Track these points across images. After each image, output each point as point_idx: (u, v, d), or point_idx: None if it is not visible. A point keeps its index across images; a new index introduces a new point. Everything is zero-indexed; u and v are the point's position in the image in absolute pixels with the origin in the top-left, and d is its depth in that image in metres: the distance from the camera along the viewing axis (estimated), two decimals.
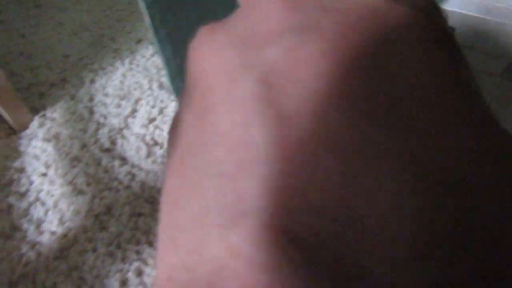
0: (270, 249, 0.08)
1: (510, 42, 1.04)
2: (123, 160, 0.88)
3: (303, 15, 0.10)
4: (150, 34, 0.95)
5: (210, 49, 0.11)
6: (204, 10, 0.84)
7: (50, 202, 0.81)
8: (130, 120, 0.97)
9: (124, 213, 0.77)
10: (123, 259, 0.71)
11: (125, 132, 0.94)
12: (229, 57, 0.10)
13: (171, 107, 0.98)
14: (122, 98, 1.03)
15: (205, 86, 0.11)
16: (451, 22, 1.14)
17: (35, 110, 1.03)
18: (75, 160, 0.89)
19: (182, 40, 0.84)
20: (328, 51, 0.09)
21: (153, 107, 0.99)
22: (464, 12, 1.16)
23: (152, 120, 0.96)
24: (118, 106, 1.01)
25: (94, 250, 0.73)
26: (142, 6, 0.74)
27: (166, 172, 0.12)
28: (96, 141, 0.93)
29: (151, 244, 0.73)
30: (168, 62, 0.84)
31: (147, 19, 0.76)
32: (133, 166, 0.87)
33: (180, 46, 0.84)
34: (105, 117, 0.99)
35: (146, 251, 0.72)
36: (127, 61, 1.16)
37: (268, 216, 0.08)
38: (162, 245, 0.10)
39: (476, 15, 1.15)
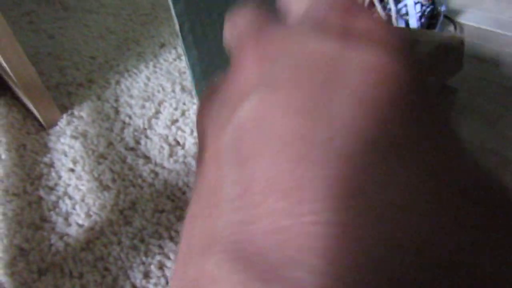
0: None
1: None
2: (147, 158, 0.92)
3: (275, 69, 0.11)
4: (178, 39, 0.99)
5: (205, 113, 0.13)
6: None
7: (78, 196, 0.86)
8: (153, 121, 1.01)
9: (147, 209, 0.81)
10: (146, 253, 0.75)
11: (148, 132, 0.99)
12: (214, 119, 0.12)
13: (193, 109, 1.02)
14: (146, 99, 1.08)
15: (201, 141, 0.13)
16: (466, 35, 1.16)
17: (63, 108, 1.07)
18: (101, 157, 0.93)
19: (207, 47, 0.88)
20: (286, 101, 0.10)
21: (175, 109, 1.03)
22: (479, 26, 1.18)
23: (174, 121, 1.00)
24: (143, 107, 1.05)
25: (119, 242, 0.77)
26: (172, 14, 0.78)
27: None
28: (122, 140, 0.97)
29: (172, 239, 0.77)
30: (193, 67, 0.88)
31: (176, 26, 0.80)
32: (156, 164, 0.91)
33: (205, 52, 0.88)
34: (130, 117, 1.03)
35: (168, 245, 0.75)
36: (151, 64, 1.20)
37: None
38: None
39: (490, 29, 1.18)
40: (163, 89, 1.10)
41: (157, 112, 1.04)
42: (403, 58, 0.10)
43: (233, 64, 0.12)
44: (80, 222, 0.81)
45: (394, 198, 0.08)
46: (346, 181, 0.09)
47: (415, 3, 1.00)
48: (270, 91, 0.10)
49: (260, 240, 0.09)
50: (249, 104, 0.10)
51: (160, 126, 0.99)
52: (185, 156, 0.91)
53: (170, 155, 0.92)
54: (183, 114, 1.02)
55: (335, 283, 0.08)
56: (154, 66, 1.19)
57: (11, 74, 0.93)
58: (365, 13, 0.11)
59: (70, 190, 0.87)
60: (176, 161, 0.90)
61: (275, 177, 0.09)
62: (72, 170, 0.91)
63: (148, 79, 1.15)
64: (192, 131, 0.96)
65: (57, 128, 1.02)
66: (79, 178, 0.89)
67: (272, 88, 0.10)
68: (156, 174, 0.89)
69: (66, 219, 0.82)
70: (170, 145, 0.95)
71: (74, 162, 0.93)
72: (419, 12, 1.01)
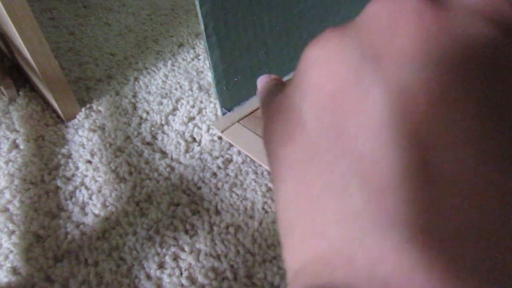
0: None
1: None
2: (163, 153, 0.93)
3: (434, 46, 0.10)
4: (202, 39, 1.00)
5: (339, 56, 0.11)
6: (253, 23, 0.89)
7: (95, 187, 0.87)
8: (170, 117, 1.02)
9: (163, 201, 0.82)
10: (161, 244, 0.75)
11: (165, 128, 1.00)
12: (361, 66, 0.11)
13: (210, 108, 1.03)
14: (164, 96, 1.09)
15: (328, 90, 0.11)
16: None
17: (82, 102, 1.09)
18: (118, 151, 0.94)
19: (230, 47, 0.89)
20: (461, 89, 0.10)
21: (192, 106, 1.04)
22: None
23: (191, 118, 1.01)
24: (160, 103, 1.07)
25: (134, 233, 0.77)
26: (199, 14, 0.79)
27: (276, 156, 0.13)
28: (139, 134, 0.98)
29: (187, 232, 0.77)
30: (215, 66, 0.89)
31: (201, 26, 0.82)
32: (172, 159, 0.92)
33: (227, 52, 0.89)
34: (147, 112, 1.04)
35: (183, 238, 0.76)
36: (169, 62, 1.22)
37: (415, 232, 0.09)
38: (301, 233, 0.11)
39: None
40: (180, 87, 1.12)
41: (174, 109, 1.05)
42: None
43: (381, 20, 0.11)
44: (96, 212, 0.82)
45: None
46: None
47: None
48: (437, 71, 0.10)
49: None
50: (409, 76, 0.10)
51: (177, 123, 1.01)
52: (201, 153, 0.92)
53: (186, 151, 0.93)
54: (199, 112, 1.03)
55: None
56: (172, 65, 1.21)
57: (34, 66, 0.94)
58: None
59: (87, 180, 0.88)
60: (192, 157, 0.91)
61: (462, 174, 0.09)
62: (89, 162, 0.93)
63: (166, 76, 1.16)
64: (208, 128, 0.97)
65: (76, 121, 1.04)
66: (96, 169, 0.90)
67: (439, 68, 0.10)
68: (172, 168, 0.89)
69: (82, 208, 0.83)
70: (186, 141, 0.96)
71: (92, 154, 0.94)
72: None
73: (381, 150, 0.10)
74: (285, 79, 1.04)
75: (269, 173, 0.85)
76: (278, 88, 0.17)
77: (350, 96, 0.11)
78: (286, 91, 0.14)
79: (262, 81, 0.20)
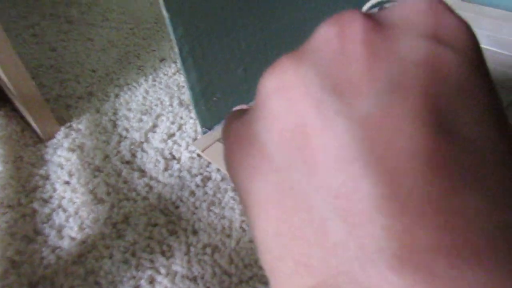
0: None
1: None
2: (142, 172, 0.93)
3: (386, 70, 0.11)
4: (178, 63, 1.00)
5: (299, 87, 0.11)
6: (229, 42, 0.88)
7: (72, 209, 0.86)
8: (150, 134, 1.02)
9: (140, 222, 0.81)
10: (137, 267, 0.75)
11: (145, 145, 0.99)
12: (321, 97, 0.11)
13: (190, 124, 1.03)
14: (144, 113, 1.08)
15: (291, 123, 0.11)
16: None
17: (62, 121, 1.08)
18: (97, 170, 0.93)
19: (206, 68, 0.89)
20: (416, 112, 0.10)
21: (172, 123, 1.04)
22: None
23: (171, 135, 1.01)
24: (140, 120, 1.06)
25: (111, 256, 0.77)
26: (172, 38, 0.79)
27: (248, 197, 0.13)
28: (118, 153, 0.97)
29: (164, 253, 0.76)
30: (192, 88, 0.89)
31: (176, 50, 0.81)
32: (151, 178, 0.91)
33: (204, 73, 0.89)
34: (127, 130, 1.04)
35: (159, 260, 0.75)
36: (150, 78, 1.21)
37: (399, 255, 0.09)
38: (287, 271, 0.11)
39: (484, 46, 1.18)
40: (161, 102, 1.11)
41: (154, 125, 1.04)
42: (481, 56, 0.12)
43: (330, 46, 0.12)
44: (73, 235, 0.81)
45: None
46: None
47: None
48: (395, 97, 0.10)
49: None
50: (370, 104, 0.10)
51: (156, 140, 1.00)
52: (180, 170, 0.91)
53: (165, 169, 0.92)
54: (180, 128, 1.02)
55: None
56: (154, 80, 1.20)
57: (11, 87, 0.94)
58: (449, 12, 0.12)
59: (64, 202, 0.88)
60: (171, 175, 0.91)
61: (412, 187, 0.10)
62: (67, 183, 0.92)
63: (147, 92, 1.16)
64: (188, 145, 0.97)
65: (55, 140, 1.03)
66: (74, 190, 0.89)
67: (397, 93, 0.10)
68: (151, 187, 0.89)
69: (59, 231, 0.82)
70: (165, 158, 0.95)
71: (70, 174, 0.93)
72: None
73: (354, 183, 0.10)
74: None
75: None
76: (238, 115, 0.16)
77: (315, 129, 0.11)
78: (246, 120, 0.14)
79: None
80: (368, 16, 0.12)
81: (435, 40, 0.11)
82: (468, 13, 1.35)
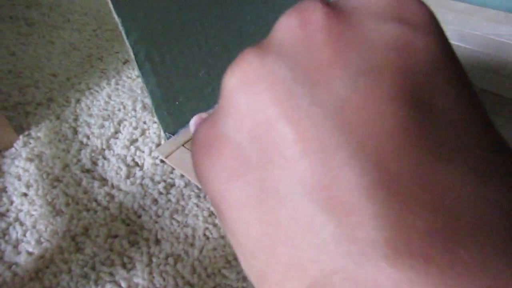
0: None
1: (483, 70, 1.07)
2: (103, 180, 0.90)
3: (356, 54, 0.10)
4: (135, 68, 0.97)
5: (261, 76, 0.11)
6: (189, 44, 0.86)
7: (29, 222, 0.83)
8: (112, 140, 0.99)
9: (100, 234, 0.79)
10: (96, 281, 0.72)
11: (106, 153, 0.96)
12: (291, 88, 0.10)
13: (153, 128, 1.00)
14: (106, 119, 1.05)
15: (259, 118, 0.11)
16: None
17: (21, 129, 1.05)
18: (56, 181, 0.90)
19: (166, 72, 0.86)
20: (393, 93, 0.10)
21: (135, 128, 1.01)
22: None
23: (134, 141, 0.98)
24: (102, 126, 1.03)
25: (69, 271, 0.74)
26: (127, 43, 0.76)
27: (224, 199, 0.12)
28: (78, 161, 0.95)
29: (124, 266, 0.74)
30: (152, 93, 0.86)
31: (131, 55, 0.79)
32: (112, 187, 0.88)
33: (164, 77, 0.86)
34: (88, 137, 1.01)
35: (120, 273, 0.73)
36: (113, 81, 1.18)
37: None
38: (278, 277, 0.10)
39: (451, 41, 1.18)
40: (124, 107, 1.08)
41: (117, 131, 1.01)
42: (446, 40, 0.12)
43: (297, 39, 0.11)
44: (30, 250, 0.78)
45: None
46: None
47: None
48: (368, 79, 0.10)
49: None
50: (345, 88, 0.10)
51: (118, 146, 0.97)
52: (142, 178, 0.89)
53: (127, 177, 0.90)
54: (143, 133, 1.00)
55: None
56: (116, 83, 1.17)
57: None
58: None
59: (21, 216, 0.84)
60: (133, 183, 0.88)
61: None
62: (25, 195, 0.88)
63: (109, 97, 1.13)
64: (150, 152, 0.94)
65: (13, 150, 0.99)
66: (31, 203, 0.86)
67: (369, 76, 0.10)
68: (112, 197, 0.86)
69: (15, 247, 0.79)
70: (128, 165, 0.92)
71: (28, 186, 0.90)
72: None
73: (337, 172, 0.09)
74: None
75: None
76: (203, 120, 0.15)
77: (290, 122, 0.10)
78: (213, 122, 0.13)
79: (195, 123, 0.19)
80: (327, 3, 0.12)
81: (401, 23, 0.11)
82: (433, 7, 1.36)
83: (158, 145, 0.96)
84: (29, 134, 1.03)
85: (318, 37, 0.11)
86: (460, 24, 1.25)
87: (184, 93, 0.93)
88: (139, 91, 1.13)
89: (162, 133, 0.96)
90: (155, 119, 1.03)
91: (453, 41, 1.18)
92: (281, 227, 0.10)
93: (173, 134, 0.95)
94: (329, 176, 0.09)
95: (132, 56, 0.79)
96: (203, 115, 0.20)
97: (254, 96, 0.11)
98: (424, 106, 0.10)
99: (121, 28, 0.75)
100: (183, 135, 0.95)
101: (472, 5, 1.32)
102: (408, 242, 0.08)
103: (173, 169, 0.90)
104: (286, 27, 0.12)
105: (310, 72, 0.10)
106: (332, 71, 0.10)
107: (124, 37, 0.75)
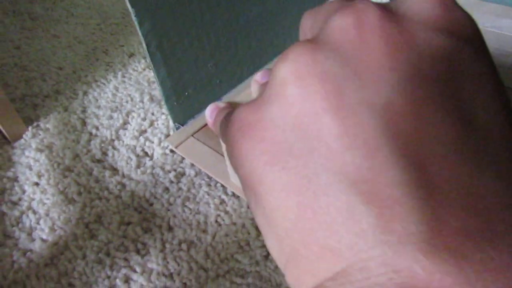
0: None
1: None
2: (114, 170, 0.91)
3: (405, 60, 0.11)
4: (147, 58, 0.98)
5: (314, 73, 0.11)
6: (198, 36, 0.87)
7: (42, 210, 0.84)
8: (121, 131, 1.00)
9: (113, 221, 0.80)
10: (111, 266, 0.74)
11: (116, 143, 0.97)
12: (340, 86, 0.11)
13: (161, 119, 1.02)
14: (114, 110, 1.06)
15: (308, 109, 0.11)
16: None
17: (29, 121, 1.05)
18: (67, 170, 0.91)
19: (176, 63, 0.87)
20: (439, 100, 0.11)
21: (144, 119, 1.02)
22: None
23: (142, 132, 0.99)
24: (110, 118, 1.04)
25: (84, 257, 0.75)
26: (139, 33, 0.77)
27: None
28: (88, 151, 0.96)
29: (138, 251, 0.76)
30: (163, 83, 0.87)
31: (143, 45, 0.80)
32: (123, 176, 0.89)
33: (174, 68, 0.88)
34: (97, 128, 1.02)
35: (134, 258, 0.74)
36: (119, 74, 1.19)
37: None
38: (314, 255, 0.11)
39: None
40: (131, 99, 1.09)
41: (125, 122, 1.03)
42: (486, 50, 0.12)
43: (346, 38, 0.12)
44: (44, 237, 0.79)
45: None
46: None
47: None
48: (414, 85, 0.11)
49: None
50: (393, 91, 0.10)
51: (127, 137, 0.98)
52: (153, 167, 0.90)
53: (138, 166, 0.91)
54: (151, 124, 1.01)
55: None
56: (123, 76, 1.18)
57: None
58: (458, 8, 0.12)
59: (34, 204, 0.85)
60: (143, 172, 0.90)
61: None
62: (36, 184, 0.89)
63: (117, 89, 1.14)
64: (160, 141, 0.96)
65: (22, 141, 1.00)
66: (43, 192, 0.87)
67: (415, 82, 0.11)
68: (123, 185, 0.87)
69: (29, 234, 0.80)
70: (137, 156, 0.94)
71: (39, 175, 0.91)
72: None
73: (380, 168, 0.10)
74: (237, 88, 1.03)
75: (223, 186, 0.84)
76: (244, 104, 0.16)
77: (336, 117, 0.11)
78: (256, 107, 0.13)
79: (212, 111, 0.19)
80: (381, 6, 0.12)
81: (449, 33, 0.12)
82: None
83: (167, 135, 0.97)
84: (37, 126, 1.04)
85: (371, 38, 0.11)
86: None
87: (193, 84, 0.94)
88: (146, 84, 1.15)
89: (170, 124, 0.97)
90: (163, 110, 1.04)
91: None
92: (321, 212, 0.11)
93: (182, 125, 0.97)
94: (371, 171, 0.10)
95: (144, 46, 0.80)
96: (220, 104, 0.20)
97: (304, 88, 0.11)
98: (466, 116, 0.10)
99: (134, 18, 0.76)
100: (192, 125, 0.96)
101: (473, 0, 1.35)
102: (443, 238, 0.09)
103: (183, 158, 0.91)
104: (339, 26, 0.12)
105: (360, 72, 0.11)
106: (381, 72, 0.11)
107: (137, 27, 0.76)
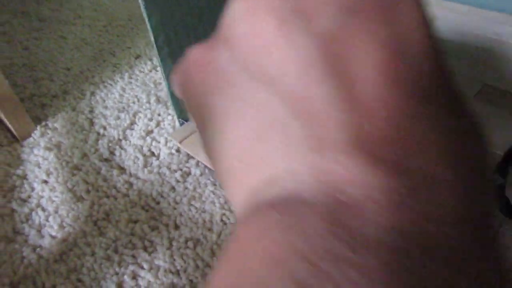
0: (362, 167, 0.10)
1: (484, 67, 1.11)
2: (122, 169, 0.93)
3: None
4: (154, 51, 1.00)
5: (264, 5, 0.12)
6: (205, 32, 0.89)
7: (51, 208, 0.86)
8: (128, 131, 1.02)
9: (121, 219, 0.82)
10: (120, 263, 0.75)
11: (123, 143, 0.99)
12: (287, 18, 0.12)
13: (168, 120, 1.03)
14: (121, 110, 1.08)
15: (258, 41, 0.12)
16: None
17: (37, 120, 1.07)
18: (75, 169, 0.93)
19: (182, 58, 0.89)
20: (373, 31, 0.11)
21: (150, 120, 1.04)
22: (440, 36, 1.23)
23: (149, 132, 1.01)
24: (117, 118, 1.06)
25: (92, 254, 0.77)
26: (147, 26, 0.79)
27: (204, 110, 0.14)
28: (96, 151, 0.97)
29: (146, 249, 0.77)
30: (168, 78, 0.89)
31: (151, 38, 0.82)
32: (130, 175, 0.91)
33: None
34: (104, 128, 1.04)
35: (142, 255, 0.76)
36: (126, 75, 1.21)
37: (355, 144, 0.11)
38: (249, 166, 0.12)
39: (452, 40, 1.22)
40: (138, 100, 1.11)
41: (132, 123, 1.04)
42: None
43: None
44: (53, 233, 0.81)
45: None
46: None
47: None
48: (352, 17, 0.11)
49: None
50: (330, 22, 0.11)
51: (135, 137, 1.00)
52: (159, 167, 0.92)
53: (145, 166, 0.93)
54: (158, 125, 1.03)
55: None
56: (130, 77, 1.20)
57: None
58: None
59: (43, 201, 0.87)
60: (150, 172, 0.91)
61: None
62: (45, 182, 0.91)
63: (123, 90, 1.16)
64: (166, 142, 0.97)
65: (31, 139, 1.02)
66: (52, 189, 0.89)
67: (354, 15, 0.12)
68: (131, 184, 0.89)
69: (39, 231, 0.82)
70: (144, 155, 0.95)
71: (48, 173, 0.93)
72: None
73: (313, 87, 0.11)
74: None
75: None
76: (189, 50, 0.17)
77: (279, 45, 0.12)
78: (208, 46, 0.15)
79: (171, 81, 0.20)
80: None
81: None
82: (435, 8, 1.40)
83: None
84: (46, 125, 1.06)
85: None
86: (461, 24, 1.29)
87: None
88: (152, 85, 1.16)
89: (177, 124, 0.99)
90: (170, 111, 1.06)
91: (455, 39, 1.22)
92: (256, 129, 0.12)
93: (186, 121, 0.98)
94: (307, 90, 0.11)
95: (152, 40, 0.81)
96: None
97: (252, 25, 0.12)
98: (398, 48, 0.11)
99: (143, 10, 0.78)
100: None
101: (473, 7, 1.36)
102: (363, 144, 0.10)
103: (189, 158, 0.93)
104: None
105: (302, 6, 0.12)
106: (320, 8, 0.12)
107: (146, 19, 0.78)
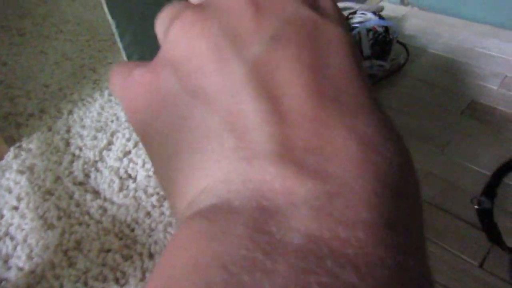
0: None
1: (472, 82, 1.08)
2: (96, 193, 0.89)
3: (272, 25, 0.14)
4: None
5: (201, 33, 0.14)
6: None
7: (20, 236, 0.81)
8: (105, 152, 0.98)
9: (93, 248, 0.78)
10: None
11: (99, 165, 0.95)
12: (220, 44, 0.13)
13: None
14: (99, 130, 1.04)
15: (195, 64, 0.13)
16: (418, 58, 1.17)
17: (11, 141, 1.03)
18: (47, 193, 0.89)
19: None
20: (297, 55, 0.13)
21: (128, 140, 1.00)
22: (430, 50, 1.20)
23: (127, 153, 0.97)
24: (94, 138, 1.02)
25: (61, 287, 0.73)
26: (120, 46, 0.76)
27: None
28: (70, 173, 0.93)
29: (117, 281, 0.73)
30: None
31: (124, 58, 0.78)
32: (105, 200, 0.87)
33: None
34: (80, 149, 1.00)
35: None
36: (106, 92, 1.17)
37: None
38: (186, 176, 0.13)
39: (441, 53, 1.19)
40: (117, 118, 1.08)
41: (110, 143, 1.01)
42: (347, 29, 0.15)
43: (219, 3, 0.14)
44: (21, 265, 0.77)
45: None
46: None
47: (368, 31, 1.00)
48: (279, 44, 0.13)
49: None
50: (258, 49, 0.13)
51: (111, 158, 0.96)
52: (136, 190, 0.88)
53: (120, 189, 0.89)
54: (136, 145, 0.99)
55: None
56: (110, 95, 1.17)
57: None
58: None
59: (12, 230, 0.83)
60: (126, 196, 0.87)
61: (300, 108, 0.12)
62: (15, 208, 0.87)
63: (102, 108, 1.12)
64: (144, 163, 0.94)
65: (3, 162, 0.98)
66: (22, 216, 0.85)
67: (280, 42, 0.13)
68: (105, 210, 0.85)
69: (5, 262, 0.78)
70: (121, 178, 0.91)
71: (19, 199, 0.89)
72: (372, 39, 1.01)
73: (244, 103, 0.12)
74: None
75: None
76: (130, 66, 0.17)
77: (215, 69, 0.13)
78: (151, 67, 0.15)
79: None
80: None
81: (313, 8, 0.14)
82: (427, 21, 1.37)
83: None
84: (20, 146, 1.02)
85: (245, 7, 0.14)
86: (450, 37, 1.26)
87: None
88: None
89: None
90: None
91: (444, 53, 1.19)
92: (195, 142, 0.13)
93: None
94: (238, 106, 0.12)
95: (125, 58, 0.78)
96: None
97: (191, 49, 0.14)
98: (319, 68, 0.13)
99: (114, 30, 0.74)
100: None
101: (462, 20, 1.34)
102: (288, 153, 0.11)
103: None
104: None
105: (236, 35, 0.13)
106: (250, 36, 0.13)
107: (118, 39, 0.75)
